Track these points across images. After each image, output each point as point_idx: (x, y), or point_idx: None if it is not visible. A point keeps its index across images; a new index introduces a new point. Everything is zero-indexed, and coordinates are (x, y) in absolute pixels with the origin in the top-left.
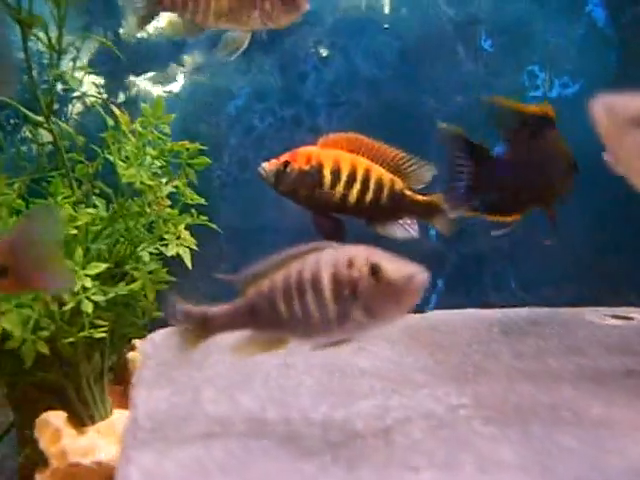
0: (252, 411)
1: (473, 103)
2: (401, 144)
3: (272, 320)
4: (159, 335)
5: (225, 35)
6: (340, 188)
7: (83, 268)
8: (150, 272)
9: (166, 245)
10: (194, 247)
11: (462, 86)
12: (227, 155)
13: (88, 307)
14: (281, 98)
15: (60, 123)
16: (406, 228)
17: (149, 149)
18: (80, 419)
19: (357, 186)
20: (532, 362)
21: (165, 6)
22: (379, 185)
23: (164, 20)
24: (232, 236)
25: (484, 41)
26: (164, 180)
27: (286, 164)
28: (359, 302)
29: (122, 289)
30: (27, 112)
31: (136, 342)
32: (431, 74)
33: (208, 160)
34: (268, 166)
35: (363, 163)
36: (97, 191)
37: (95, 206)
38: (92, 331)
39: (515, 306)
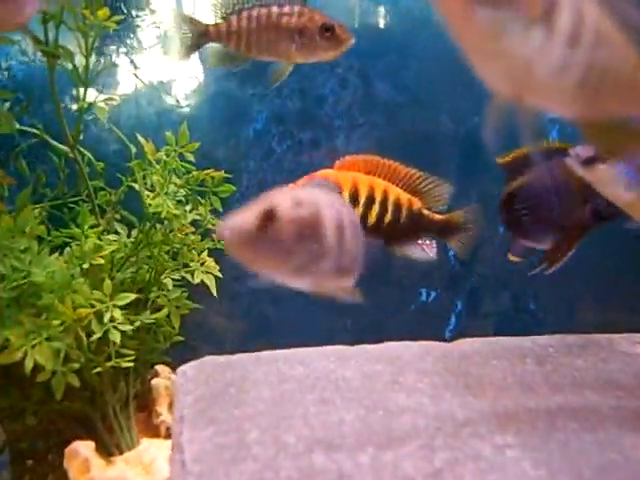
0: (299, 453)
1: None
2: (419, 165)
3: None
4: (190, 368)
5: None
6: (359, 210)
7: (111, 299)
8: (173, 299)
9: (191, 272)
10: (218, 274)
11: (480, 108)
12: (245, 178)
13: (116, 337)
14: (299, 121)
15: (84, 151)
16: (424, 249)
17: (174, 178)
18: (107, 448)
19: (376, 208)
20: (571, 396)
21: (211, 37)
22: (397, 206)
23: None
24: None
25: None
26: (188, 208)
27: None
28: None
29: (148, 317)
30: (53, 142)
31: (158, 368)
32: (449, 96)
33: (233, 188)
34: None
35: (381, 184)
36: (118, 217)
37: (117, 232)
38: (119, 360)
39: (535, 328)
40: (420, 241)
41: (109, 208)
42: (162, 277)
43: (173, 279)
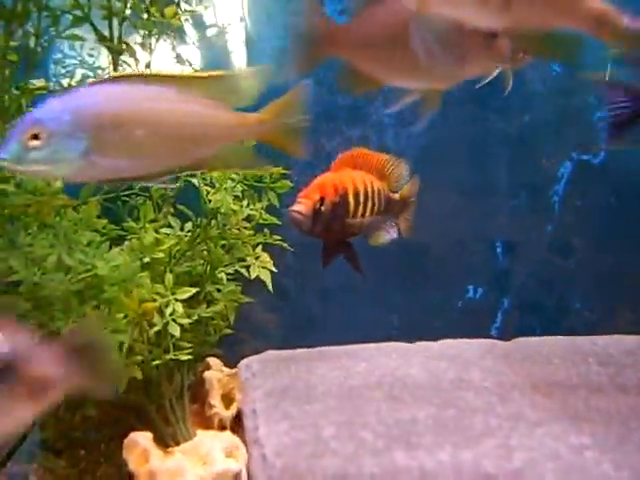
0: (379, 450)
1: (540, 122)
2: (468, 162)
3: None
4: (255, 362)
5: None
6: (360, 211)
7: (173, 293)
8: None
9: (246, 267)
10: (273, 269)
11: (530, 106)
12: (296, 174)
13: (175, 330)
14: (349, 117)
15: None
16: (389, 231)
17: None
18: (163, 439)
19: (369, 204)
20: (638, 397)
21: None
22: (379, 195)
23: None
24: (299, 253)
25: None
26: (244, 203)
27: (322, 200)
28: None
29: (205, 311)
30: None
31: (210, 361)
32: (500, 93)
33: (290, 184)
34: (304, 208)
35: (367, 177)
36: (172, 211)
37: (170, 226)
38: (177, 353)
39: (581, 327)
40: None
41: (165, 202)
42: (217, 271)
43: (227, 273)
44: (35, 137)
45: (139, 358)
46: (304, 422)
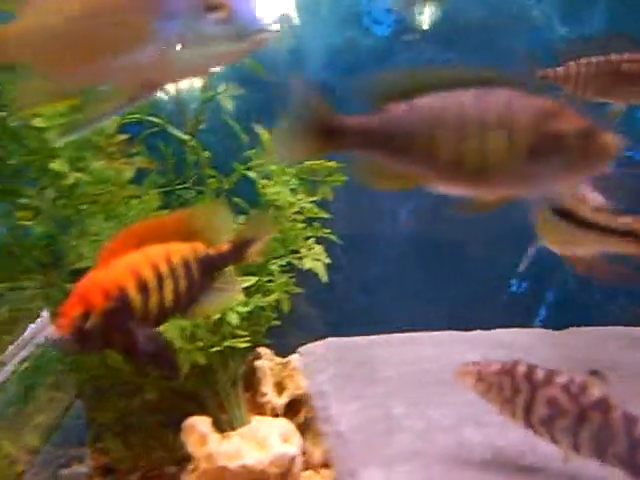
0: (450, 427)
1: None
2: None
3: (413, 150)
4: (317, 348)
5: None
6: (154, 299)
7: None
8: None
9: (299, 259)
10: (326, 261)
11: None
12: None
13: (233, 318)
14: None
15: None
16: (224, 288)
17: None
18: (219, 425)
19: (169, 282)
20: None
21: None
22: (187, 264)
23: None
24: (347, 246)
25: None
26: (299, 197)
27: (86, 314)
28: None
29: (261, 301)
30: (174, 130)
31: (260, 350)
32: None
33: (343, 178)
34: (60, 331)
35: (160, 252)
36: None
37: None
38: (234, 341)
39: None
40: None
41: (221, 195)
42: (269, 263)
43: (280, 265)
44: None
45: (200, 344)
46: (373, 402)
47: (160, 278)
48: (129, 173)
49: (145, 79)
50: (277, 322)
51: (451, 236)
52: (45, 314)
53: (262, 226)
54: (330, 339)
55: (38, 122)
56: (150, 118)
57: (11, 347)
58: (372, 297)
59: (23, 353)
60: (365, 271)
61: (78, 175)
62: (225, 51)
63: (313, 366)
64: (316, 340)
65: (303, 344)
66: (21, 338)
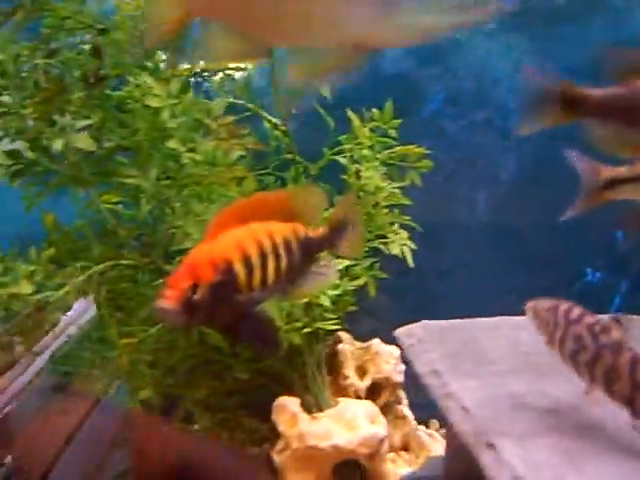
0: (574, 406)
1: None
2: (591, 151)
3: None
4: (418, 329)
5: None
6: (257, 276)
7: None
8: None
9: (385, 244)
10: (413, 246)
11: None
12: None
13: (325, 300)
14: (473, 102)
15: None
16: (323, 272)
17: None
18: (307, 406)
19: (271, 260)
20: None
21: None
22: (288, 244)
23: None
24: (423, 234)
25: None
26: (387, 182)
27: (194, 287)
28: None
29: (350, 284)
30: (265, 115)
31: (341, 334)
32: None
33: (431, 163)
34: (169, 303)
35: (263, 229)
36: None
37: None
38: (325, 323)
39: None
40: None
41: (308, 180)
42: None
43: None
44: None
45: (298, 324)
46: (491, 380)
47: (264, 255)
48: (236, 154)
49: (356, 42)
50: (353, 307)
51: (527, 224)
52: (77, 305)
53: (351, 211)
54: (425, 321)
55: (153, 102)
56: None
57: (45, 338)
58: (446, 284)
59: (56, 344)
60: (440, 259)
61: (190, 155)
62: (447, 20)
63: (418, 347)
64: (389, 327)
65: (377, 330)
66: (57, 328)
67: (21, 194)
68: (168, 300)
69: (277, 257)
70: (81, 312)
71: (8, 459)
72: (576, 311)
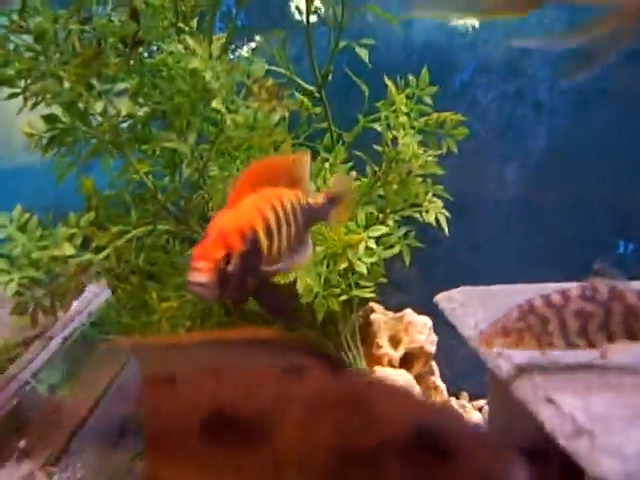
0: (629, 364)
1: None
2: (626, 115)
3: None
4: (456, 294)
5: None
6: (276, 245)
7: (365, 230)
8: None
9: (420, 212)
10: (447, 214)
11: None
12: None
13: (362, 268)
14: (505, 72)
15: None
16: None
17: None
18: None
19: (284, 230)
20: None
21: None
22: (294, 212)
23: None
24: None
25: None
26: (422, 150)
27: (227, 257)
28: None
29: (384, 253)
30: (301, 82)
31: (373, 305)
32: None
33: (467, 130)
34: (206, 276)
35: (276, 196)
36: None
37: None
38: (361, 290)
39: None
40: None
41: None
42: (390, 215)
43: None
44: None
45: (336, 290)
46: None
47: (279, 223)
48: (277, 116)
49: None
50: (384, 280)
51: (558, 196)
52: (89, 290)
53: (347, 186)
54: (463, 287)
55: (194, 63)
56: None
57: (58, 323)
58: (477, 257)
59: (69, 329)
60: (472, 231)
61: (231, 116)
62: None
63: (460, 310)
64: (417, 299)
65: (407, 303)
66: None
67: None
68: (203, 272)
69: (288, 225)
70: (94, 296)
71: None
72: (555, 297)
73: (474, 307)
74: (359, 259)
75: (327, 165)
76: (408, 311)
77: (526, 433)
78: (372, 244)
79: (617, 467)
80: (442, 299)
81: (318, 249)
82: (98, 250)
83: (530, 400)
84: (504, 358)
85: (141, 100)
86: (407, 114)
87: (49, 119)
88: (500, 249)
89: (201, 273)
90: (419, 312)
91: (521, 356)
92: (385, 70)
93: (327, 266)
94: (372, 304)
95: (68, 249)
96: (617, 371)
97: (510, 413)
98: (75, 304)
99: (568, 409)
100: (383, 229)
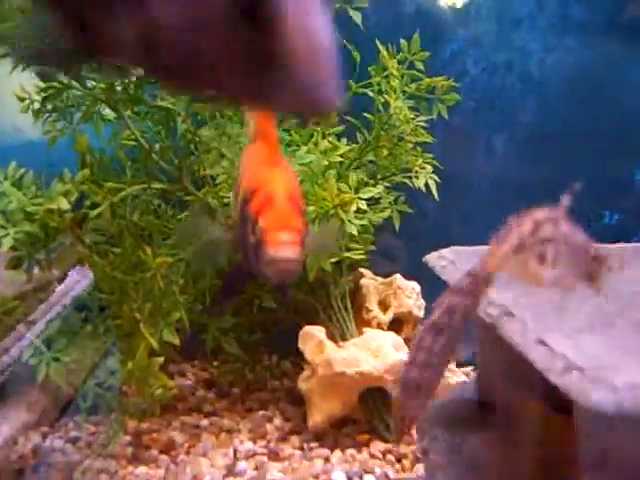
0: (624, 306)
1: None
2: (612, 94)
3: None
4: (447, 253)
5: None
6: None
7: (356, 192)
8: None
9: (409, 177)
10: (437, 180)
11: None
12: None
13: (353, 230)
14: (495, 43)
15: None
16: None
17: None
18: (332, 336)
19: None
20: None
21: None
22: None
23: None
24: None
25: None
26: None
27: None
28: None
29: (375, 216)
30: None
31: (362, 270)
32: None
33: (458, 96)
34: (293, 251)
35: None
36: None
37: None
38: (352, 253)
39: None
40: None
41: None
42: (380, 181)
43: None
44: None
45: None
46: (528, 290)
47: None
48: None
49: None
50: (373, 247)
51: (545, 168)
52: (71, 274)
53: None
54: (453, 247)
55: None
56: None
57: (42, 306)
58: (466, 228)
59: (53, 313)
60: (461, 201)
61: None
62: None
63: (451, 267)
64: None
65: (391, 272)
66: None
67: None
68: (290, 246)
69: None
70: (76, 280)
71: None
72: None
73: (465, 264)
74: (349, 221)
75: (319, 129)
76: (397, 276)
77: (519, 375)
78: (363, 205)
79: (607, 397)
80: (432, 258)
81: (310, 209)
82: (93, 206)
83: (520, 343)
84: (495, 306)
85: None
86: (400, 78)
87: (44, 76)
88: (487, 219)
89: (288, 247)
90: (410, 278)
91: (512, 304)
92: (377, 38)
93: (319, 225)
94: (362, 270)
95: (63, 203)
96: (614, 312)
97: (500, 359)
98: (59, 288)
99: (560, 348)
100: (374, 190)
